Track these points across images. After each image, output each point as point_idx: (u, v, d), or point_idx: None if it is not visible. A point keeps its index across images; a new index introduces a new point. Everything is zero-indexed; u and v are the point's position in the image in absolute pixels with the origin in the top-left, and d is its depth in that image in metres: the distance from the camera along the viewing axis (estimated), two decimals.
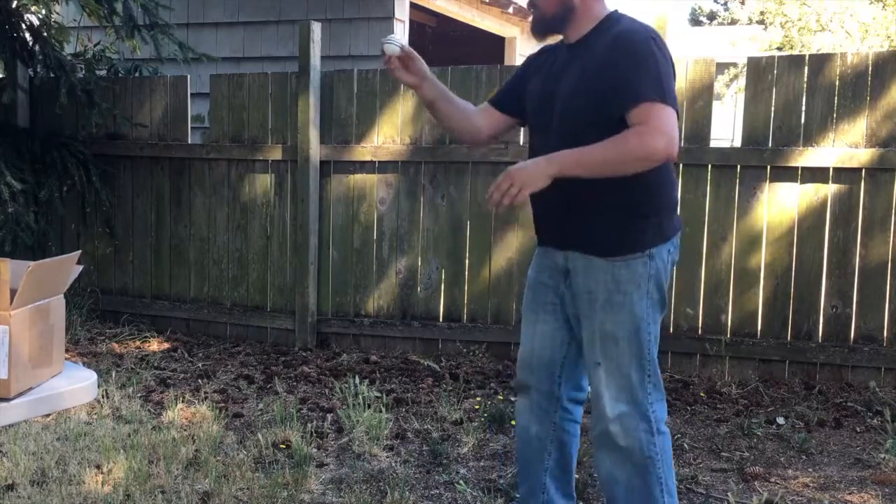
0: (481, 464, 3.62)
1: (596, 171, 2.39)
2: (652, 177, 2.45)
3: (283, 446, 3.69)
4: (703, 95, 4.76)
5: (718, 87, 18.80)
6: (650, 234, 2.51)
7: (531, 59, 2.80)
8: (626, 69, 2.39)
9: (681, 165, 4.73)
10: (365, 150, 5.30)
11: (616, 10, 2.58)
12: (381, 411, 4.02)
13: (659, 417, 2.54)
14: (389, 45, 2.69)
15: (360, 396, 4.13)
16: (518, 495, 2.89)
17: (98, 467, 3.42)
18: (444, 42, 10.02)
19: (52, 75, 5.72)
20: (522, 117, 2.80)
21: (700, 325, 4.83)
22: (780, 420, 4.14)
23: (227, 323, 5.68)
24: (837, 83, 4.59)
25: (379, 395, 4.33)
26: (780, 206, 4.70)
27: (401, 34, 6.80)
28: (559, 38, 2.66)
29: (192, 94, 5.83)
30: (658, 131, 2.33)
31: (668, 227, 2.56)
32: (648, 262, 2.50)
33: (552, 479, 2.79)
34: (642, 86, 2.36)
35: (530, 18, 2.68)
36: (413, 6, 7.13)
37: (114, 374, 4.67)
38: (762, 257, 4.75)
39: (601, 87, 2.43)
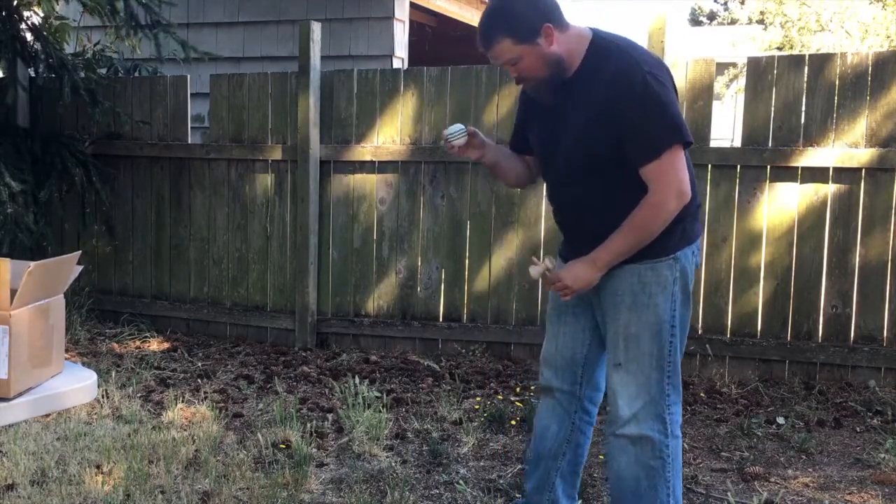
0: (481, 464, 3.62)
1: (634, 251, 2.50)
2: None
3: (283, 446, 3.69)
4: (703, 95, 4.76)
5: (718, 87, 18.79)
6: (676, 238, 2.54)
7: (525, 94, 2.74)
8: (633, 124, 2.40)
9: None
10: (365, 150, 5.30)
11: (597, 34, 2.52)
12: (380, 411, 4.02)
13: (675, 420, 2.56)
14: (455, 138, 2.71)
15: (360, 396, 4.13)
16: (526, 489, 2.90)
17: (98, 467, 3.42)
18: (444, 42, 10.01)
19: (52, 75, 5.72)
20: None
21: (700, 325, 4.83)
22: (780, 420, 4.14)
23: (227, 323, 5.68)
24: (837, 83, 4.59)
25: (379, 395, 4.34)
26: (780, 205, 4.70)
27: (401, 35, 6.81)
28: None
29: (192, 94, 5.83)
30: (667, 190, 2.42)
31: (691, 231, 2.59)
32: (674, 264, 2.53)
33: (561, 479, 2.82)
34: (653, 138, 2.40)
35: (523, 87, 2.64)
36: (413, 6, 7.13)
37: (114, 374, 4.67)
38: (762, 257, 4.75)
39: (607, 133, 2.44)
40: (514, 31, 2.43)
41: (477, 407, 4.25)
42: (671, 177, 2.41)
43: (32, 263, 2.02)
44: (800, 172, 4.66)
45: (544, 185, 2.94)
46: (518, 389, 4.54)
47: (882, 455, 3.70)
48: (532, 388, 4.44)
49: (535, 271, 2.65)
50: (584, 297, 2.66)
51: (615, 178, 2.48)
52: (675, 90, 2.51)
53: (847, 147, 4.58)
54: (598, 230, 2.52)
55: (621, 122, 2.41)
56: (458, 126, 2.72)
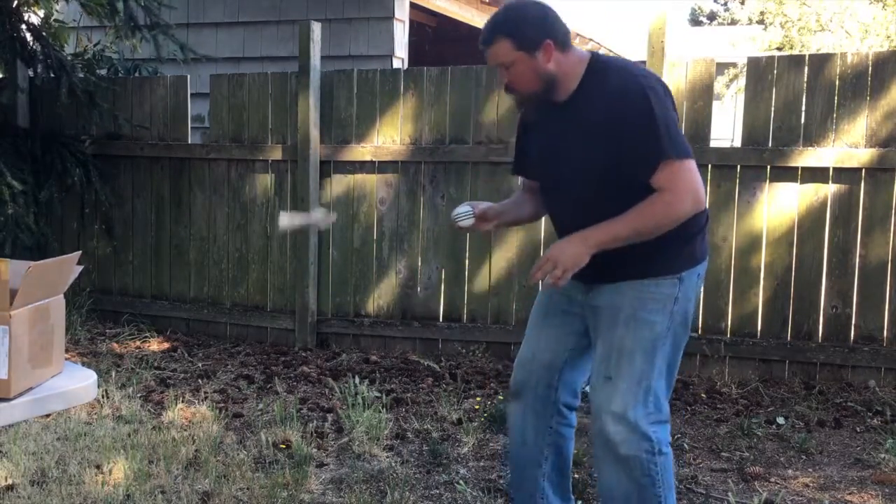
0: (481, 464, 3.62)
1: (631, 241, 2.44)
2: None
3: (283, 446, 3.69)
4: (703, 95, 4.76)
5: (718, 87, 18.78)
6: (683, 258, 2.53)
7: (523, 118, 2.75)
8: (634, 135, 2.38)
9: None
10: (365, 150, 5.30)
11: (595, 56, 2.53)
12: (380, 411, 4.02)
13: (661, 438, 2.51)
14: (463, 221, 2.72)
15: (360, 396, 4.13)
16: (514, 499, 2.88)
17: (98, 467, 3.42)
18: (444, 42, 10.01)
19: (52, 75, 5.72)
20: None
21: (700, 325, 4.83)
22: (780, 420, 4.14)
23: (227, 323, 5.68)
24: (837, 83, 4.59)
25: (379, 395, 4.34)
26: (780, 205, 4.70)
27: (401, 35, 6.80)
28: None
29: (192, 94, 5.83)
30: (685, 192, 2.38)
31: (698, 251, 2.57)
32: (678, 284, 2.51)
33: (549, 483, 2.79)
34: (658, 148, 2.37)
35: (514, 99, 2.63)
36: (413, 6, 7.13)
37: (114, 374, 4.67)
38: (762, 257, 4.75)
39: (610, 153, 2.42)
40: (515, 36, 2.45)
41: (477, 407, 4.25)
42: (687, 180, 2.38)
43: (32, 264, 2.02)
44: (800, 172, 4.66)
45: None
46: None
47: (882, 455, 3.70)
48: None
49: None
50: (576, 302, 2.64)
51: (614, 199, 2.44)
52: (675, 107, 2.49)
53: (847, 147, 4.58)
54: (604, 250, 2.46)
55: (625, 135, 2.38)
56: (466, 208, 2.73)
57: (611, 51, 10.66)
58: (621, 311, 2.51)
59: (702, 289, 2.63)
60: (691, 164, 2.40)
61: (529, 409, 2.75)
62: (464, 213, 2.72)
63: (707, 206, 2.61)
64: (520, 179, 3.15)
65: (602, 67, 2.49)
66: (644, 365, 2.49)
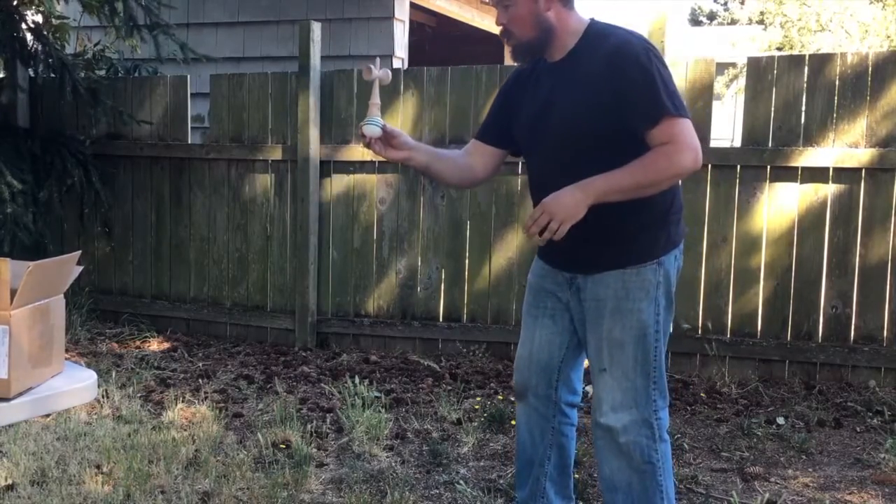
0: (481, 464, 3.62)
1: (629, 195, 2.38)
2: (660, 193, 2.44)
3: (283, 446, 3.69)
4: (703, 95, 4.76)
5: (718, 87, 18.79)
6: (661, 242, 2.51)
7: (507, 87, 2.75)
8: (635, 88, 2.35)
9: None
10: (365, 150, 5.29)
11: (594, 20, 2.54)
12: (380, 411, 4.02)
13: (662, 425, 2.54)
14: (370, 126, 2.66)
15: (360, 396, 4.13)
16: (517, 497, 2.89)
17: (98, 467, 3.42)
18: (444, 42, 10.01)
19: (52, 75, 5.72)
20: (512, 146, 2.75)
21: (700, 325, 4.83)
22: (780, 420, 4.14)
23: (227, 323, 5.68)
24: (837, 83, 4.59)
25: (379, 395, 4.34)
26: (779, 206, 4.70)
27: (401, 35, 6.80)
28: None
29: (192, 94, 5.83)
30: (687, 147, 2.34)
31: (675, 234, 2.56)
32: (658, 268, 2.49)
33: (551, 482, 2.80)
34: (658, 103, 2.34)
35: (508, 45, 2.61)
36: (413, 6, 7.13)
37: (114, 374, 4.67)
38: (762, 257, 4.75)
39: (607, 106, 2.39)
40: None
41: (477, 407, 4.25)
42: (689, 135, 2.35)
43: (32, 263, 2.02)
44: (800, 172, 4.66)
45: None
46: None
47: (882, 455, 3.70)
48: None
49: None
50: (562, 299, 2.63)
51: (601, 160, 2.38)
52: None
53: (847, 147, 4.58)
54: (583, 225, 2.37)
55: (625, 90, 2.35)
56: (377, 120, 2.69)
57: None
58: (606, 304, 2.50)
59: (682, 263, 2.61)
60: (689, 122, 2.37)
61: (532, 410, 2.77)
62: (374, 122, 2.67)
63: (680, 194, 2.58)
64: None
65: (601, 30, 2.50)
66: (636, 353, 2.49)
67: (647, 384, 2.50)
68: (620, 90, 2.37)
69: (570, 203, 2.34)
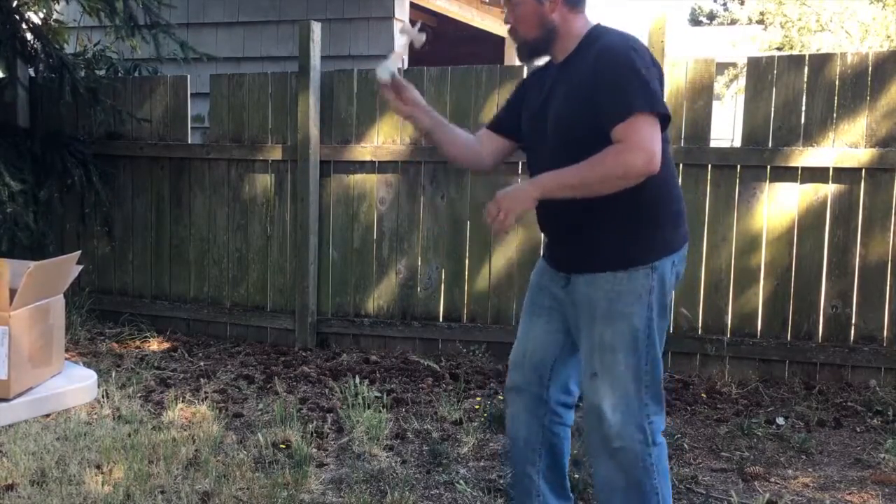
0: (481, 464, 3.62)
1: (578, 191, 2.39)
2: (651, 193, 2.43)
3: (283, 446, 3.69)
4: (703, 95, 4.76)
5: (718, 87, 18.79)
6: (655, 247, 2.50)
7: (527, 80, 2.82)
8: (609, 84, 2.37)
9: (681, 165, 4.72)
10: (365, 150, 5.30)
11: (599, 25, 2.57)
12: (380, 411, 4.02)
13: (655, 429, 2.52)
14: (381, 70, 2.63)
15: (360, 396, 4.13)
16: (512, 495, 2.89)
17: (98, 467, 3.42)
18: (444, 42, 10.01)
19: (52, 74, 5.72)
20: (520, 140, 2.78)
21: (700, 325, 4.83)
22: (780, 420, 4.14)
23: (227, 323, 5.68)
24: (837, 83, 4.59)
25: (379, 395, 4.34)
26: (779, 205, 4.70)
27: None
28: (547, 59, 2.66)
29: (192, 94, 5.83)
30: (638, 148, 2.31)
31: (672, 240, 2.54)
32: (651, 273, 2.48)
33: (546, 481, 2.80)
34: (627, 99, 2.34)
35: (515, 42, 2.66)
36: (413, 6, 7.13)
37: (114, 374, 4.67)
38: (762, 257, 4.75)
39: (587, 104, 2.42)
40: None
41: (477, 407, 4.25)
42: (642, 136, 2.32)
43: (32, 263, 2.02)
44: (800, 172, 4.66)
45: None
46: None
47: (882, 455, 3.70)
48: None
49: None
50: (558, 298, 2.64)
51: (579, 157, 2.40)
52: (661, 76, 2.48)
53: (847, 147, 4.58)
54: (577, 222, 2.47)
55: (598, 91, 2.38)
56: (389, 65, 2.65)
57: None
58: (598, 307, 2.50)
59: (683, 270, 2.60)
60: (654, 123, 2.34)
61: (524, 409, 2.76)
62: (386, 67, 2.63)
63: (678, 197, 2.57)
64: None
65: (597, 34, 2.53)
66: (627, 358, 2.48)
67: (638, 388, 2.49)
68: (596, 91, 2.40)
69: (518, 196, 2.42)
